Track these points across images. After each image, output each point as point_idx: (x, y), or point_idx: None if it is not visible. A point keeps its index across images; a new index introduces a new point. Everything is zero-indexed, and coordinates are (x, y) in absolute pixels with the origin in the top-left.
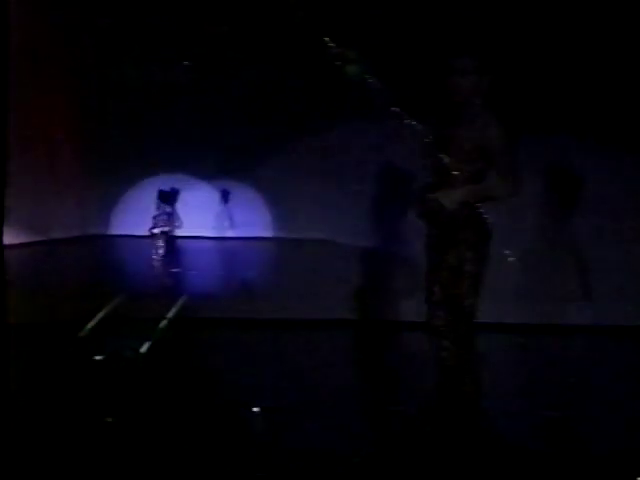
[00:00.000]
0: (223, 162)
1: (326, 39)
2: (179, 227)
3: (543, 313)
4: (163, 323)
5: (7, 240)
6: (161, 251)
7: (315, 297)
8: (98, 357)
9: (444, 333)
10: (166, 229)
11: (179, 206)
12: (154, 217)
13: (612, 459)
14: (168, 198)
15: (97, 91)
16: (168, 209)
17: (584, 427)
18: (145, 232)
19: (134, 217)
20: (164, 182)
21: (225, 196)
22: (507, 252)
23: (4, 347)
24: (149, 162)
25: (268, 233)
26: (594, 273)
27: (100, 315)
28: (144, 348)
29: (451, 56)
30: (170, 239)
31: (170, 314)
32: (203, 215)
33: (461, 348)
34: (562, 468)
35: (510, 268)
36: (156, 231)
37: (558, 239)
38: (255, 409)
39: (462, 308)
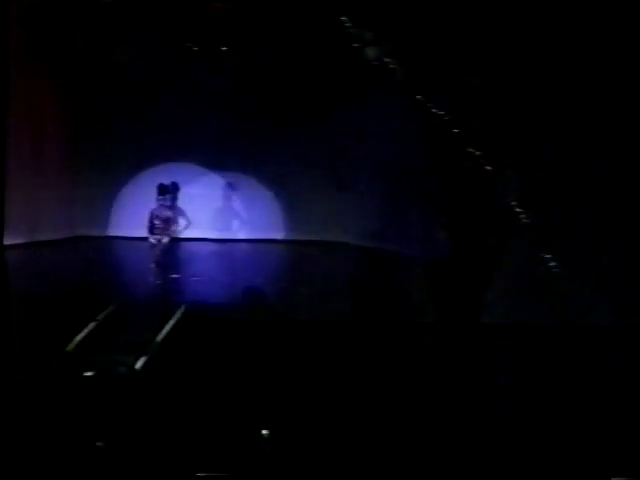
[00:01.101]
0: (225, 155)
1: (343, 20)
2: (184, 228)
3: None
4: (161, 335)
5: None
6: (158, 253)
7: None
8: (87, 374)
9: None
10: (165, 231)
11: (181, 203)
12: (152, 214)
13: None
14: (167, 192)
15: (87, 84)
16: (168, 203)
17: None
18: (140, 233)
19: (127, 217)
20: (162, 178)
21: (230, 191)
22: None
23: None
24: (144, 157)
25: (279, 235)
26: None
27: (90, 326)
28: (139, 364)
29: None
30: (170, 241)
31: (169, 325)
32: (207, 214)
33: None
34: None
35: None
36: (153, 240)
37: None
38: (264, 432)
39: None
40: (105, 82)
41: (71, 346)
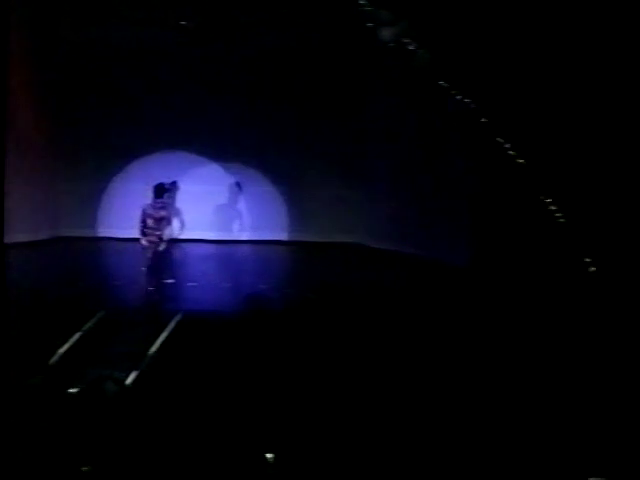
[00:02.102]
0: (227, 149)
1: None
2: (178, 230)
3: None
4: (154, 347)
5: None
6: (151, 256)
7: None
8: (72, 390)
9: None
10: (158, 232)
11: (180, 204)
12: (144, 213)
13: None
14: (164, 193)
15: (67, 75)
16: (164, 206)
17: None
18: (130, 233)
19: (116, 215)
20: (154, 170)
21: (237, 191)
22: None
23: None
24: (134, 146)
25: (286, 235)
26: None
27: (75, 336)
28: (130, 379)
29: None
30: (164, 243)
31: (163, 336)
32: (205, 212)
33: None
34: None
35: None
36: (145, 242)
37: None
38: (269, 456)
39: None
40: (88, 72)
41: (53, 359)
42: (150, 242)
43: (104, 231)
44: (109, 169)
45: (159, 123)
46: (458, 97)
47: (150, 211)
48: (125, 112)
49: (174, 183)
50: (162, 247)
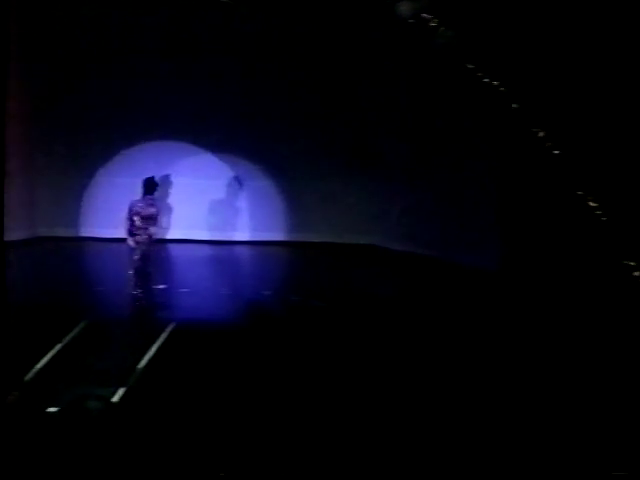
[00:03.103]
0: (226, 139)
1: None
2: (165, 229)
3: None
4: (144, 361)
5: None
6: (139, 258)
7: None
8: (51, 410)
9: None
10: (147, 231)
11: (171, 200)
12: (131, 210)
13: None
14: (154, 189)
15: (49, 58)
16: (153, 203)
17: None
18: (115, 233)
19: (99, 214)
20: (144, 168)
21: (236, 187)
22: None
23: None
24: (121, 140)
25: (290, 236)
26: None
27: (55, 348)
28: (117, 397)
29: None
30: (154, 245)
31: (154, 348)
32: (202, 212)
33: None
34: None
35: None
36: (132, 243)
37: None
38: None
39: None
40: (63, 52)
41: (30, 375)
42: (139, 242)
43: (86, 230)
44: (92, 161)
45: (148, 109)
46: (485, 80)
47: (139, 208)
48: (109, 97)
49: (166, 177)
50: (152, 248)
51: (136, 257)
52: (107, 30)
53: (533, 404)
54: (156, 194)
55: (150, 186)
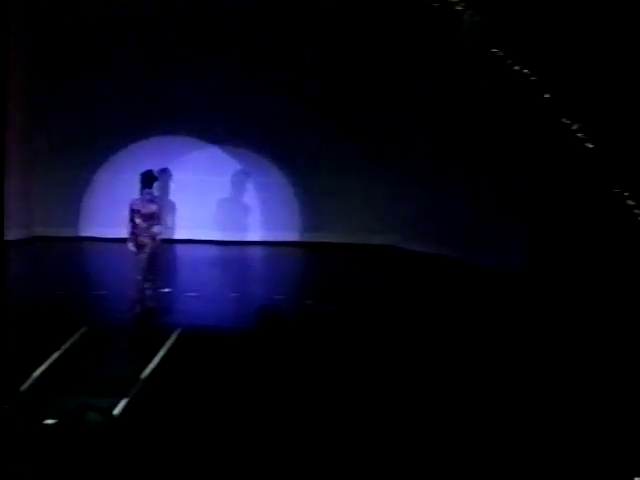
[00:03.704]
0: (233, 130)
1: None
2: (170, 228)
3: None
4: (148, 370)
5: None
6: (143, 261)
7: None
8: (49, 422)
9: None
10: (150, 230)
11: (177, 198)
12: (132, 210)
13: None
14: (152, 182)
15: (47, 48)
16: (153, 194)
17: None
18: (115, 233)
19: (100, 213)
20: (147, 163)
21: (244, 182)
22: None
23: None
24: (122, 134)
25: (303, 236)
26: None
27: (53, 356)
28: (119, 409)
29: None
30: (156, 244)
31: (159, 356)
32: (208, 209)
33: None
34: None
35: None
36: (133, 248)
37: None
38: None
39: None
40: (61, 41)
41: (26, 384)
42: (141, 245)
43: (86, 230)
44: (91, 157)
45: (154, 101)
46: (515, 68)
47: (138, 206)
48: (112, 89)
49: (165, 171)
50: (156, 249)
51: (140, 260)
52: (110, 23)
53: (560, 410)
54: (156, 190)
55: (148, 179)
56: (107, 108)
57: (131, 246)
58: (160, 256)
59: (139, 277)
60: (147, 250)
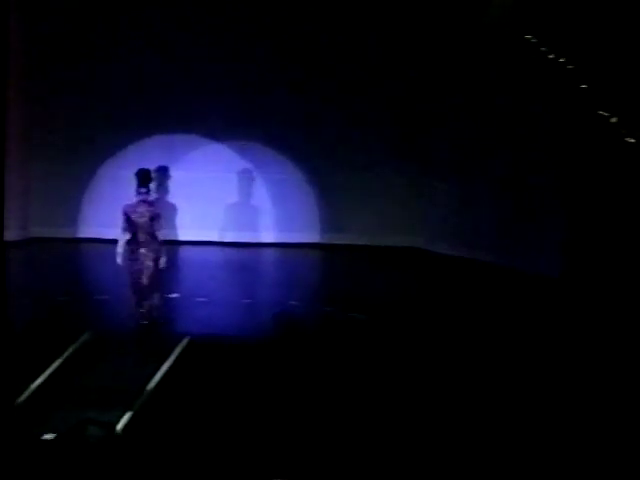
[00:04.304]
0: (241, 122)
1: None
2: (175, 229)
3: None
4: (154, 381)
5: None
6: (145, 260)
7: None
8: (47, 437)
9: None
10: (151, 241)
11: (180, 193)
12: (126, 215)
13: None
14: (149, 181)
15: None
16: (151, 197)
17: None
18: (117, 234)
19: (100, 212)
20: (146, 159)
21: (250, 178)
22: None
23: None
24: (123, 130)
25: (321, 237)
26: None
27: (52, 366)
28: (122, 424)
29: None
30: (158, 245)
31: (165, 366)
32: (216, 209)
33: None
34: None
35: None
36: (119, 260)
37: None
38: None
39: None
40: (59, 34)
41: (24, 396)
42: (142, 260)
43: (86, 231)
44: (91, 154)
45: (158, 95)
46: (550, 56)
47: (133, 211)
48: (111, 80)
49: (163, 169)
50: (163, 263)
51: (147, 259)
52: (111, 22)
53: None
54: (153, 191)
55: (144, 178)
56: (109, 104)
57: (120, 259)
58: (165, 262)
59: (145, 281)
60: (148, 263)
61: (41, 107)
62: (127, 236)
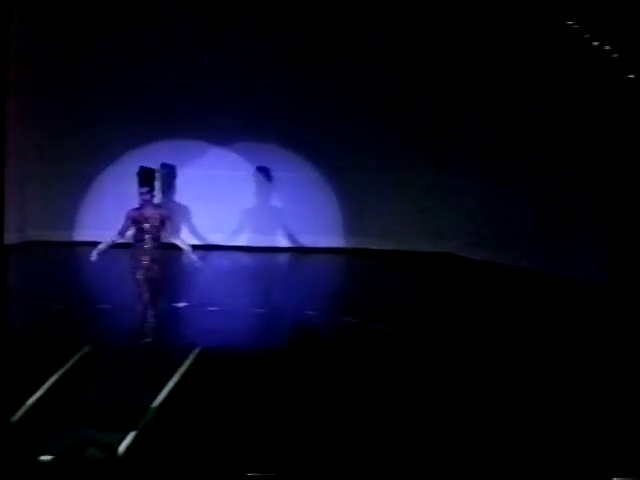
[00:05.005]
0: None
1: None
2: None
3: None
4: (161, 397)
5: None
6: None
7: None
8: (44, 458)
9: None
10: (157, 246)
11: (189, 194)
12: (128, 219)
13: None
14: (152, 179)
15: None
16: (156, 199)
17: None
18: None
19: (100, 215)
20: (146, 160)
21: (265, 180)
22: None
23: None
24: (126, 128)
25: (339, 241)
26: None
27: (49, 381)
28: (124, 445)
29: None
30: (160, 252)
31: (174, 380)
32: (229, 212)
33: None
34: None
35: None
36: (139, 275)
37: None
38: None
39: None
40: (57, 30)
41: (19, 413)
42: (146, 269)
43: (84, 234)
44: (91, 153)
45: (166, 92)
46: (594, 44)
47: (139, 215)
48: (111, 81)
49: (165, 166)
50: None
51: (155, 267)
52: (113, 21)
53: None
54: (157, 188)
55: (146, 177)
56: (106, 99)
57: (137, 273)
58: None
59: (151, 287)
60: (154, 271)
61: (40, 112)
62: (119, 239)
